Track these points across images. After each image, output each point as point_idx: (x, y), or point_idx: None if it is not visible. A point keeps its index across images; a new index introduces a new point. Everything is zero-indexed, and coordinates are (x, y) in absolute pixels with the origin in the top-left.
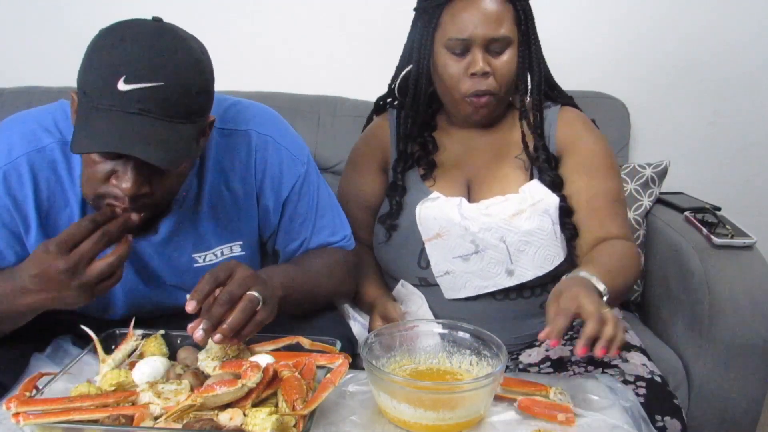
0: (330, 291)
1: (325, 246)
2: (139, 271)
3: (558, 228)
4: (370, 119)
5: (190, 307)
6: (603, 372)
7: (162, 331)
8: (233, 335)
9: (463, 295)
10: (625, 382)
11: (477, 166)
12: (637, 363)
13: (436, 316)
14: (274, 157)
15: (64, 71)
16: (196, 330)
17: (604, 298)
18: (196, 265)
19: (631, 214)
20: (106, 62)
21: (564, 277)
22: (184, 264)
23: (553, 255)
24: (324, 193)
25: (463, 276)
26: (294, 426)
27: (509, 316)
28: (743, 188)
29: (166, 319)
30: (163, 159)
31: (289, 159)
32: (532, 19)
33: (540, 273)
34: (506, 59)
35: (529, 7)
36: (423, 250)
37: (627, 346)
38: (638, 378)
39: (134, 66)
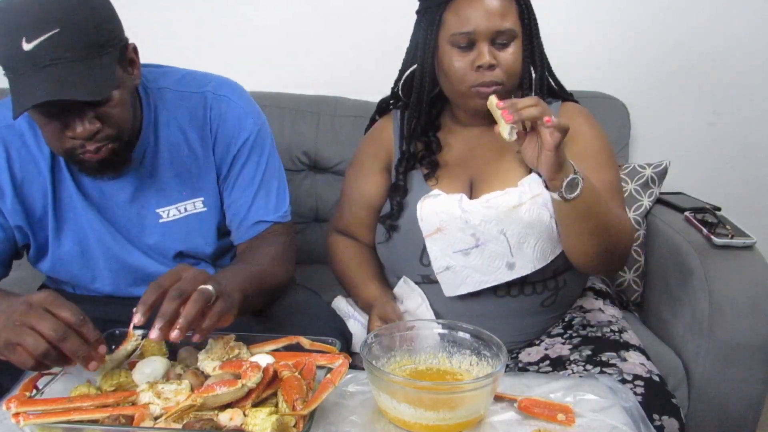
0: (279, 280)
1: (265, 220)
2: (110, 231)
3: (554, 222)
4: (373, 120)
5: (136, 319)
6: (601, 371)
7: None
8: (190, 329)
9: (463, 291)
10: (623, 381)
11: (479, 164)
12: (635, 362)
13: (438, 314)
14: (228, 113)
15: None
16: (152, 330)
17: (574, 175)
18: (161, 221)
19: (631, 214)
20: (5, 30)
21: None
22: (149, 221)
23: (551, 249)
24: (274, 161)
25: (463, 271)
26: (294, 426)
27: (510, 314)
28: (743, 188)
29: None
30: (89, 92)
31: (244, 115)
32: (534, 13)
33: (539, 266)
34: (512, 52)
35: (530, 1)
36: (424, 248)
37: (626, 346)
38: (636, 377)
39: (28, 23)
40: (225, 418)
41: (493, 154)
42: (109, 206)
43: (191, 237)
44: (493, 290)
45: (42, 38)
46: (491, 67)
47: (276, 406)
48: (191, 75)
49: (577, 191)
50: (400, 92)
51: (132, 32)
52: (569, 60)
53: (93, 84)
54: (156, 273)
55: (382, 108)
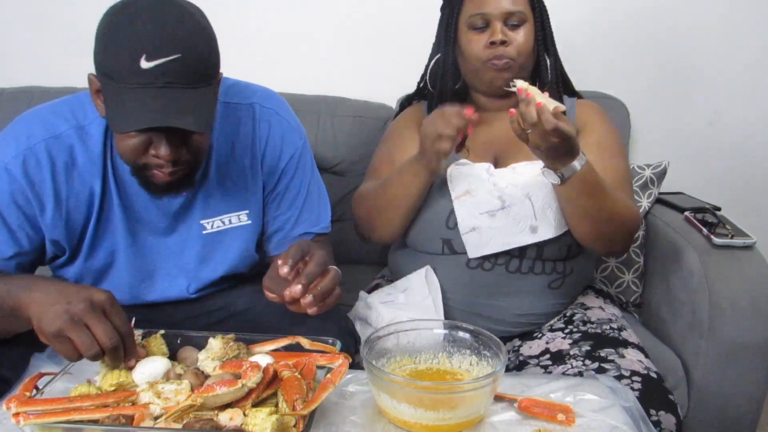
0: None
1: (309, 232)
2: (141, 254)
3: None
4: (396, 115)
5: (284, 270)
6: (600, 366)
7: (162, 331)
8: (318, 302)
9: (487, 252)
10: (621, 377)
11: (503, 143)
12: (633, 359)
13: (449, 287)
14: (276, 128)
15: (64, 71)
16: (294, 286)
17: (580, 160)
18: (204, 232)
19: None
20: (123, 44)
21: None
22: (193, 230)
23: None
24: (316, 175)
25: (488, 232)
26: (294, 426)
27: (518, 292)
28: (743, 188)
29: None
30: (197, 124)
31: (290, 131)
32: (543, 3)
33: (560, 232)
34: (523, 33)
35: None
36: (451, 212)
37: (624, 343)
38: (634, 373)
39: (152, 43)
40: (225, 418)
41: (515, 136)
42: (153, 218)
43: (232, 250)
44: (506, 264)
45: (163, 60)
46: (503, 42)
47: (276, 406)
48: (237, 85)
49: (556, 181)
50: (427, 82)
51: None
52: (569, 60)
53: (201, 115)
54: (171, 299)
55: (404, 105)
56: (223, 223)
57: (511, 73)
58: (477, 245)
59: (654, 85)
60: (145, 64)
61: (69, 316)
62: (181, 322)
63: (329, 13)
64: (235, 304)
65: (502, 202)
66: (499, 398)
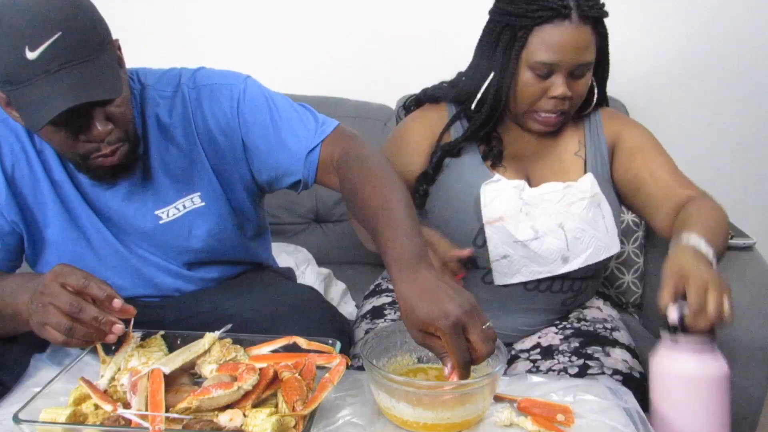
0: (402, 191)
1: (310, 148)
2: (113, 232)
3: (609, 222)
4: (418, 100)
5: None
6: (584, 363)
7: (162, 332)
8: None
9: (515, 281)
10: (602, 375)
11: (536, 160)
12: (618, 358)
13: None
14: (207, 101)
15: None
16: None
17: (713, 260)
18: (161, 222)
19: (629, 216)
20: (3, 41)
21: (672, 246)
22: (149, 222)
23: (604, 247)
24: (279, 100)
25: (520, 261)
26: (294, 427)
27: (532, 308)
28: (743, 188)
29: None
30: (109, 90)
31: (222, 90)
32: (608, 38)
33: (591, 261)
34: (583, 81)
35: (606, 27)
36: (480, 230)
37: (613, 343)
38: (615, 372)
39: (28, 31)
40: (225, 418)
41: (550, 153)
42: (107, 199)
43: (200, 233)
44: (524, 283)
45: (46, 44)
46: (565, 98)
47: (276, 406)
48: (165, 75)
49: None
50: (477, 101)
51: (130, 32)
52: None
53: (107, 82)
54: (161, 270)
55: (433, 98)
56: (178, 210)
57: (558, 127)
58: (506, 273)
59: (654, 86)
60: (30, 54)
61: (35, 305)
62: (169, 325)
63: (329, 14)
64: (223, 306)
65: (536, 232)
66: (498, 398)
